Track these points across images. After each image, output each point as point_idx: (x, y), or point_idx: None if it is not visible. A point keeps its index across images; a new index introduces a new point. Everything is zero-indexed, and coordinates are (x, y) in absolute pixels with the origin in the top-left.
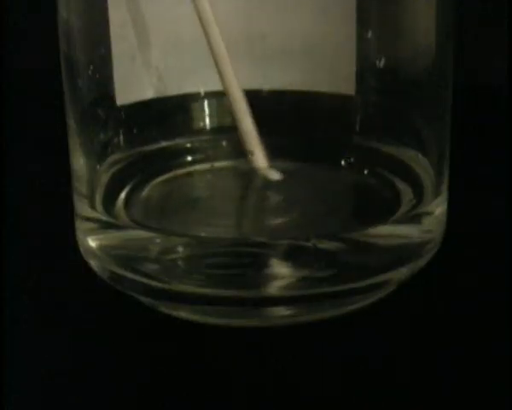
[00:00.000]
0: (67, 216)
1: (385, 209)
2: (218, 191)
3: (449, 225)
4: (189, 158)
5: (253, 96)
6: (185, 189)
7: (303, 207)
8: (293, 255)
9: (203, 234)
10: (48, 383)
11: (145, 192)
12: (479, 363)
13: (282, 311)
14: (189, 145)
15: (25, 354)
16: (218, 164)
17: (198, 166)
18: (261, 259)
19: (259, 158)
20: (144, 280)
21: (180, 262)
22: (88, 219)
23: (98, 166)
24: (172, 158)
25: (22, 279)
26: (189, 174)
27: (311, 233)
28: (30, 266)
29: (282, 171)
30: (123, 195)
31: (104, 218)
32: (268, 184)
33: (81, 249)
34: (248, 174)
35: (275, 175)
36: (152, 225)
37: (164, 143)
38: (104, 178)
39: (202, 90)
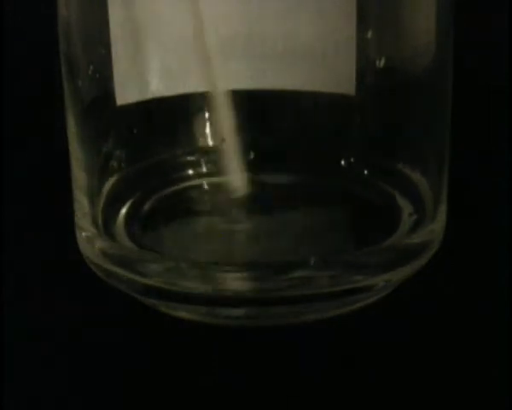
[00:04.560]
0: (67, 216)
1: (385, 225)
2: (219, 207)
3: (449, 225)
4: (191, 172)
5: (253, 97)
6: (185, 205)
7: (303, 224)
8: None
9: (203, 259)
10: (47, 384)
11: (147, 207)
12: (479, 363)
13: (282, 311)
14: (190, 159)
15: (24, 354)
16: (217, 179)
17: (199, 181)
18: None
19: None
20: (144, 280)
21: (180, 263)
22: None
23: (98, 175)
24: (175, 171)
25: (22, 279)
26: (190, 189)
27: (311, 254)
28: (30, 266)
29: (282, 181)
30: (124, 210)
31: (103, 238)
32: (267, 197)
33: (81, 249)
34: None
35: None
36: (152, 244)
37: (166, 155)
38: (104, 190)
39: (203, 99)
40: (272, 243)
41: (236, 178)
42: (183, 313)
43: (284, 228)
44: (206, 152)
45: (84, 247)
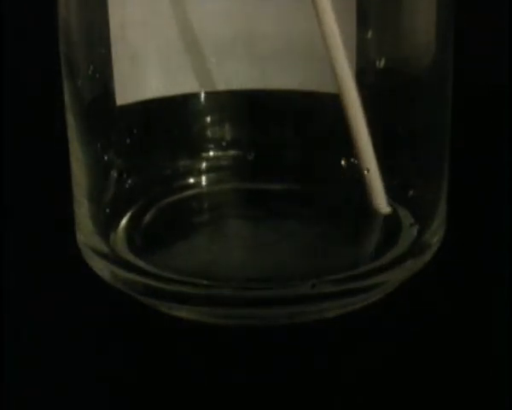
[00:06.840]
0: (68, 216)
1: (385, 233)
2: (217, 219)
3: (449, 225)
4: (192, 180)
5: (253, 96)
6: (186, 215)
7: (304, 235)
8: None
9: (202, 280)
10: (47, 384)
11: (148, 217)
12: (479, 363)
13: (282, 311)
14: (191, 166)
15: (24, 354)
16: (217, 187)
17: (200, 190)
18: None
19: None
20: (144, 280)
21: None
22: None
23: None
24: (176, 180)
25: (22, 279)
26: (191, 198)
27: (310, 277)
28: (30, 266)
29: (281, 187)
30: (124, 220)
31: (103, 249)
32: (267, 207)
33: (81, 249)
34: (249, 196)
35: (386, 209)
36: (152, 256)
37: (167, 164)
38: (105, 199)
39: (204, 103)
40: (272, 256)
41: (381, 199)
42: (183, 313)
43: (284, 239)
44: (207, 159)
45: (83, 247)
